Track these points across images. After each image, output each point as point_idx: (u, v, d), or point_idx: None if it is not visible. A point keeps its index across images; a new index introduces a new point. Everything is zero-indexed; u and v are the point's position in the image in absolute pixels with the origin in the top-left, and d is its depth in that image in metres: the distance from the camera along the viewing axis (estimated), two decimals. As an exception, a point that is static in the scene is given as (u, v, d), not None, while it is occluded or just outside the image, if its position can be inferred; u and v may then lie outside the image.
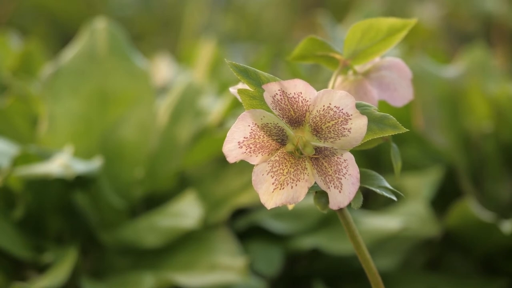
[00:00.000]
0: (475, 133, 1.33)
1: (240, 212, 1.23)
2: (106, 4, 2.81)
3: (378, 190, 0.63)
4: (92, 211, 1.15)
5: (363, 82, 0.71)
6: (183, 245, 1.12)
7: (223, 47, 1.79)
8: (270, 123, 0.61)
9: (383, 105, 0.72)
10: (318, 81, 1.41)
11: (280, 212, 1.19)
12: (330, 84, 0.70)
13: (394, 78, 0.71)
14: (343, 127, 0.60)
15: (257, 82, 0.61)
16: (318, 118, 0.60)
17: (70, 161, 1.03)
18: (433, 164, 1.33)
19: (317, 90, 0.60)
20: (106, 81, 1.21)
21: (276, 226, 1.17)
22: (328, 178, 0.61)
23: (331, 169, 0.61)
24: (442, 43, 2.40)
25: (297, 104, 0.60)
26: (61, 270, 1.03)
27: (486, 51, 1.50)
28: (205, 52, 1.63)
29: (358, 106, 0.60)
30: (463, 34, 2.58)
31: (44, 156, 1.07)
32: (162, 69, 1.64)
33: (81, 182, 1.09)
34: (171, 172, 1.21)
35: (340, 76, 0.71)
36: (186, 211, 1.10)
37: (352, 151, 0.61)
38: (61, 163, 1.01)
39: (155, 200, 1.21)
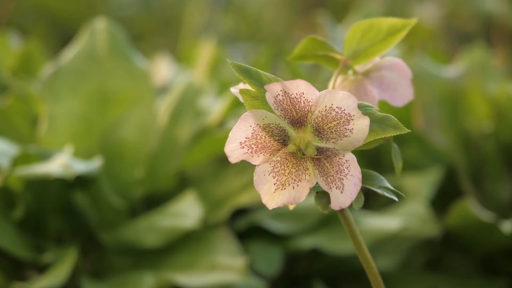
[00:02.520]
0: (475, 133, 1.33)
1: (240, 212, 1.23)
2: (106, 4, 2.80)
3: (379, 191, 0.63)
4: (92, 211, 1.15)
5: (363, 82, 0.71)
6: (183, 245, 1.12)
7: (223, 47, 1.79)
8: (272, 124, 0.61)
9: (383, 105, 0.72)
10: (318, 81, 1.41)
11: (280, 212, 1.19)
12: (330, 84, 0.70)
13: (394, 78, 0.71)
14: (345, 128, 0.60)
15: (259, 83, 0.61)
16: (320, 119, 0.60)
17: (70, 161, 1.03)
18: (433, 164, 1.33)
19: (318, 90, 0.60)
20: (106, 81, 1.21)
21: (276, 226, 1.17)
22: (330, 179, 0.61)
23: (333, 170, 0.61)
24: (442, 43, 2.40)
25: (299, 105, 0.60)
26: (61, 270, 1.03)
27: (486, 51, 1.50)
28: (205, 52, 1.63)
29: (360, 107, 0.60)
30: (463, 34, 2.58)
31: (44, 156, 1.07)
32: (162, 69, 1.63)
33: (81, 182, 1.09)
34: (171, 172, 1.21)
35: (340, 76, 0.71)
36: (186, 211, 1.10)
37: (352, 151, 0.61)
38: (61, 163, 1.01)
39: (155, 200, 1.21)
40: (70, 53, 1.22)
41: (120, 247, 1.13)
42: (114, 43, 1.22)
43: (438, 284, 1.21)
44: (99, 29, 1.23)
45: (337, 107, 0.60)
